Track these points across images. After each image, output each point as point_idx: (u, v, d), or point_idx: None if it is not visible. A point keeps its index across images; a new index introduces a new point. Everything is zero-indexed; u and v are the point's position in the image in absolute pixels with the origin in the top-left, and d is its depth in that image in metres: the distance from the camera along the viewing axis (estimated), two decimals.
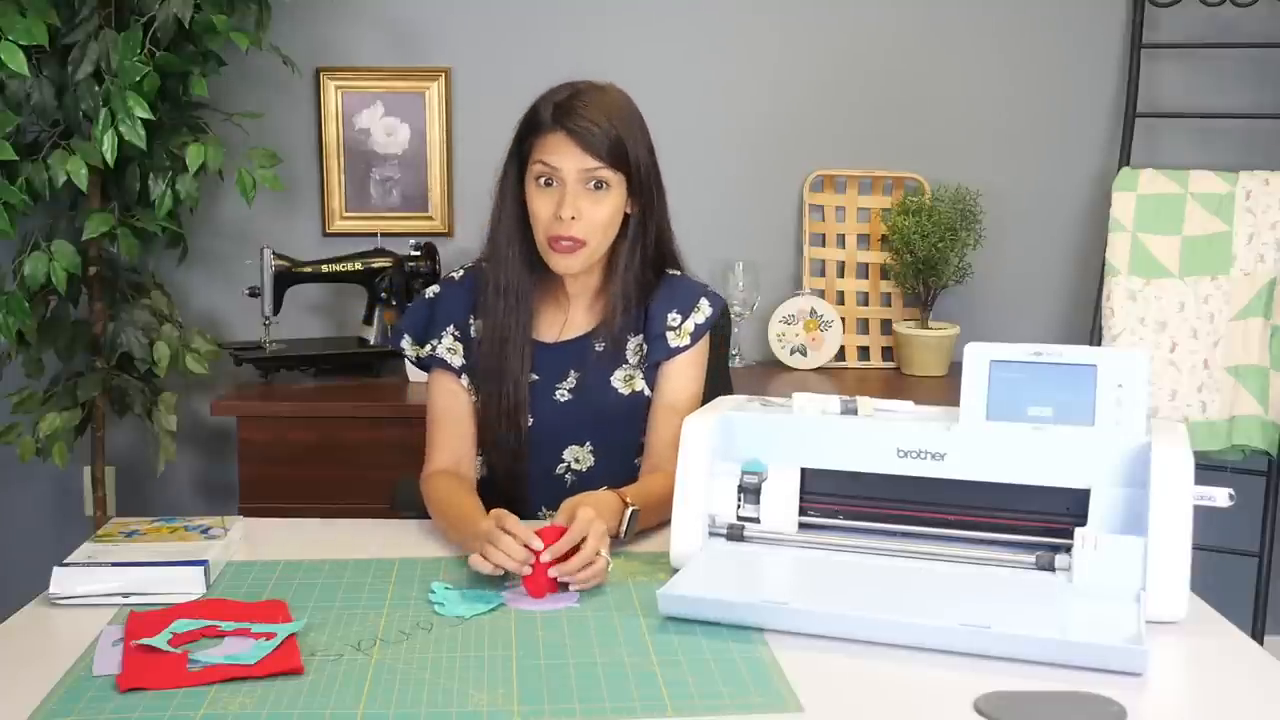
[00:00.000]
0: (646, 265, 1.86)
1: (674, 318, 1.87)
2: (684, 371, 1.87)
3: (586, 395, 1.86)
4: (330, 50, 2.96)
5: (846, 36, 3.02)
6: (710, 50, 3.01)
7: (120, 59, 2.42)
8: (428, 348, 1.88)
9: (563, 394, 1.86)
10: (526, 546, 1.46)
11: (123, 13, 2.52)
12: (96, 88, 2.48)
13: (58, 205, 2.71)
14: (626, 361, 1.88)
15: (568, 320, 1.88)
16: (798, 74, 3.02)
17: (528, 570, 1.46)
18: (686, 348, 1.86)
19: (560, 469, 1.88)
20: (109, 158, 2.44)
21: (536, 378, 1.85)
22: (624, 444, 1.89)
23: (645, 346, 1.87)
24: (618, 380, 1.87)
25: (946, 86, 3.03)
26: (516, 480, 1.87)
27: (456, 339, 1.87)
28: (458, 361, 1.86)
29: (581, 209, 1.75)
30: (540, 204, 1.77)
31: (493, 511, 1.56)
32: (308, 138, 3.00)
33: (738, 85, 3.03)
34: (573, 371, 1.86)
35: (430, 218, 3.03)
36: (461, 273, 1.92)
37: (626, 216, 1.82)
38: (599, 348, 1.86)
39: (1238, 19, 2.92)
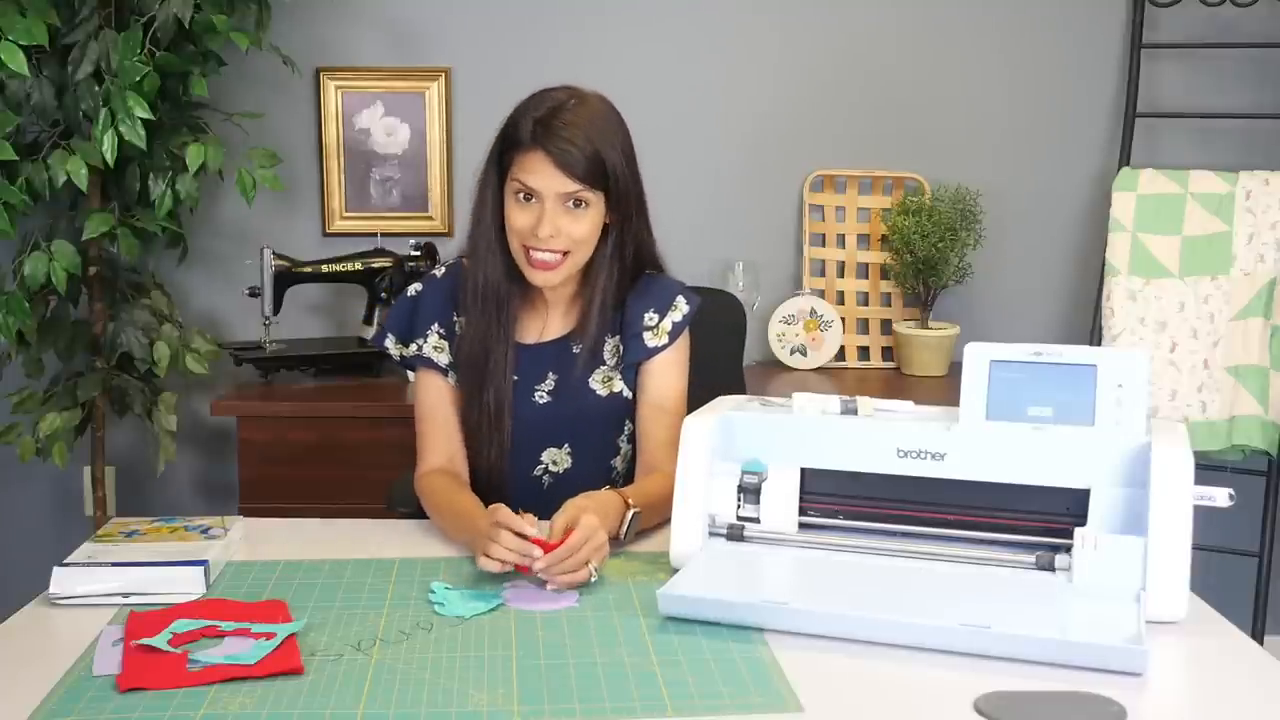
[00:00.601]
0: (625, 273, 1.85)
1: (651, 316, 1.86)
2: (667, 371, 1.86)
3: (565, 397, 1.85)
4: (330, 50, 2.97)
5: (846, 36, 3.02)
6: (710, 50, 3.01)
7: (120, 59, 2.42)
8: (413, 347, 1.87)
9: (541, 395, 1.85)
10: (525, 536, 1.48)
11: (123, 13, 2.52)
12: (96, 88, 2.48)
13: (58, 205, 2.71)
14: (604, 363, 1.87)
15: (546, 323, 1.87)
16: (797, 74, 3.03)
17: (528, 561, 1.47)
18: (665, 346, 1.86)
19: (538, 470, 1.88)
20: (109, 158, 2.44)
21: (516, 378, 1.84)
22: (601, 446, 1.89)
23: (622, 347, 1.87)
24: (596, 382, 1.86)
25: (946, 86, 3.03)
26: (498, 483, 1.85)
27: (442, 336, 1.86)
28: (444, 360, 1.86)
29: (560, 226, 1.73)
30: (518, 217, 1.75)
31: (489, 508, 1.56)
32: (308, 138, 3.00)
33: (738, 85, 3.03)
34: (551, 373, 1.86)
35: (430, 218, 3.03)
36: (444, 269, 1.90)
37: (606, 226, 1.81)
38: (576, 350, 1.85)
39: (1238, 19, 2.92)
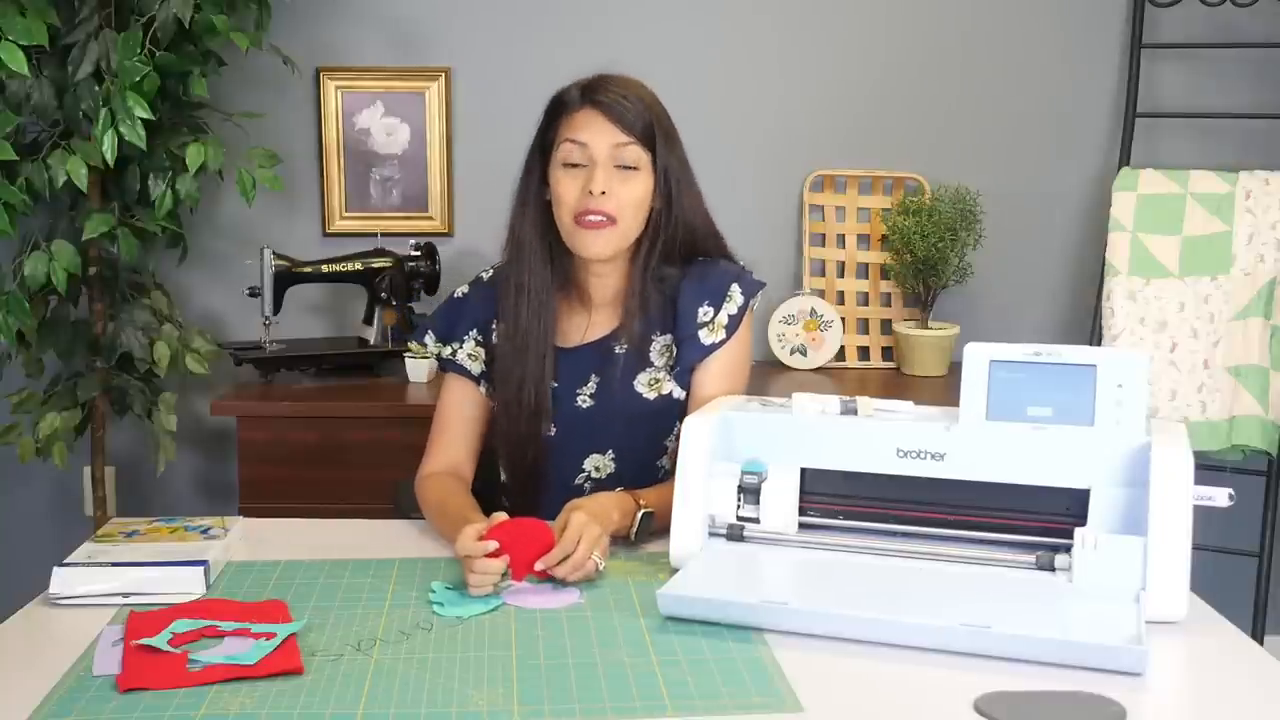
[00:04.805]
0: (670, 262, 1.80)
1: (705, 311, 1.80)
2: (721, 373, 1.80)
3: (608, 401, 1.80)
4: (330, 50, 2.96)
5: (847, 36, 3.02)
6: (710, 50, 3.01)
7: (120, 59, 2.42)
8: (448, 350, 1.85)
9: (584, 399, 1.81)
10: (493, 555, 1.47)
11: (123, 13, 2.52)
12: (96, 88, 2.47)
13: (58, 205, 2.71)
14: (651, 364, 1.81)
15: (588, 325, 1.83)
16: (798, 74, 3.02)
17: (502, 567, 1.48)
18: (722, 343, 1.80)
19: (580, 479, 1.84)
20: (109, 158, 2.44)
21: (556, 384, 1.80)
22: (646, 449, 1.84)
23: (675, 348, 1.81)
24: (642, 385, 1.81)
25: (946, 86, 3.03)
26: (537, 487, 1.83)
27: (478, 344, 1.84)
28: (477, 368, 1.84)
29: (612, 186, 1.70)
30: (567, 186, 1.72)
31: (460, 533, 1.51)
32: (308, 138, 3.00)
33: (738, 85, 3.03)
34: (593, 375, 1.81)
35: (430, 218, 3.03)
36: (490, 273, 1.88)
37: (651, 210, 1.77)
38: (619, 350, 1.80)
39: (1238, 19, 2.92)
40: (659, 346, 1.82)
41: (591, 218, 1.71)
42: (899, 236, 2.88)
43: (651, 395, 1.81)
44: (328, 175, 3.00)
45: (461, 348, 1.85)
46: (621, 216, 1.72)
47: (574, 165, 1.72)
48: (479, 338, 1.84)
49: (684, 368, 1.81)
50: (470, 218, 3.01)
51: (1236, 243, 2.78)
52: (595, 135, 1.71)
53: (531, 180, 1.79)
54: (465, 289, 1.89)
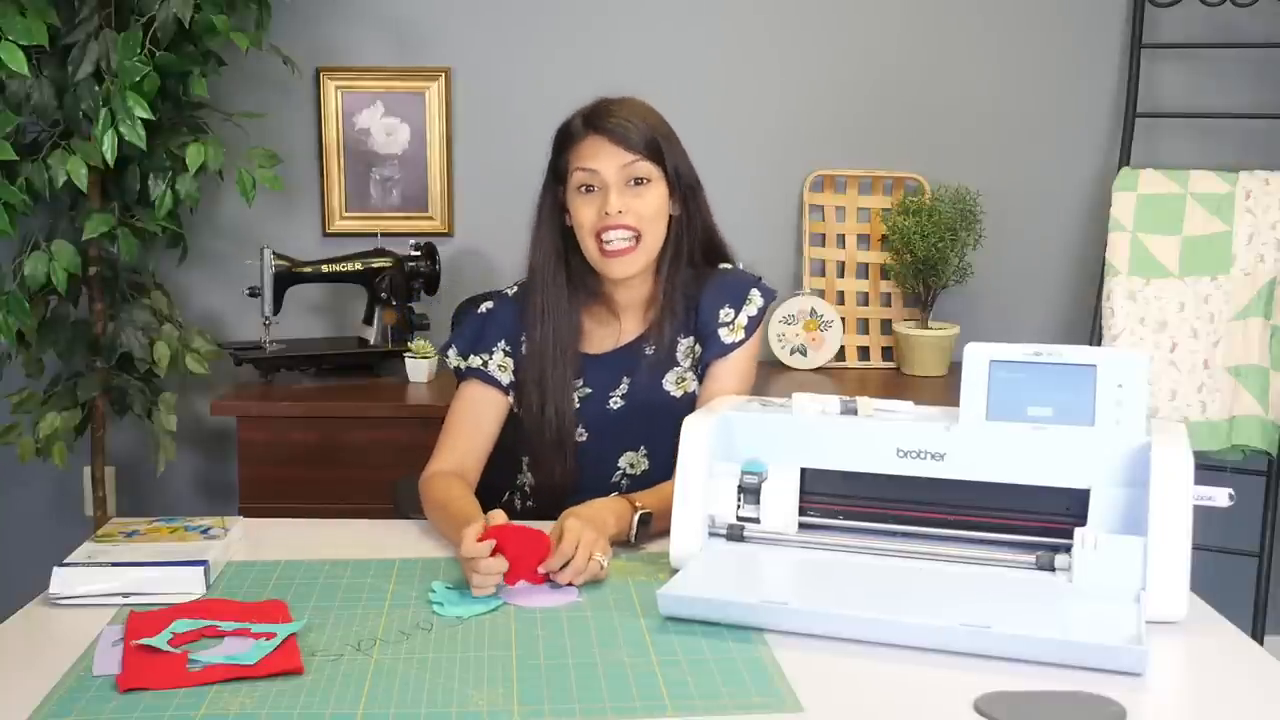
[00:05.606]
0: (695, 268, 1.88)
1: (726, 312, 1.86)
2: (731, 373, 1.86)
3: (639, 400, 1.86)
4: (330, 50, 2.97)
5: (846, 37, 3.02)
6: (710, 50, 3.01)
7: (120, 59, 2.42)
8: (476, 361, 1.88)
9: (616, 402, 1.87)
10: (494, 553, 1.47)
11: (123, 13, 2.52)
12: (96, 88, 2.48)
13: (58, 205, 2.71)
14: (678, 364, 1.88)
15: (620, 332, 1.89)
16: (798, 74, 3.03)
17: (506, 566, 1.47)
18: (741, 342, 1.86)
19: (616, 476, 1.88)
20: (109, 158, 2.44)
21: (590, 390, 1.86)
22: (675, 446, 1.86)
23: (698, 347, 1.87)
24: (670, 383, 1.87)
25: (946, 86, 3.03)
26: (569, 490, 1.85)
27: (507, 354, 1.88)
28: (506, 379, 1.87)
29: (627, 204, 1.77)
30: (584, 212, 1.79)
31: (461, 534, 1.50)
32: (308, 138, 3.00)
33: (738, 85, 3.03)
34: (624, 378, 1.87)
35: (430, 218, 3.03)
36: (515, 288, 1.92)
37: (671, 219, 1.84)
38: (649, 351, 1.86)
39: (1238, 19, 2.92)
40: (683, 348, 1.88)
41: (613, 236, 1.77)
42: (899, 236, 2.88)
43: (679, 394, 1.87)
44: (328, 175, 3.00)
45: (491, 358, 1.88)
46: (643, 229, 1.79)
47: (589, 190, 1.79)
48: (507, 349, 1.88)
49: (703, 364, 1.87)
50: (470, 218, 3.01)
51: (1236, 243, 2.78)
52: (604, 161, 1.78)
53: (545, 208, 1.86)
54: (490, 304, 1.93)
